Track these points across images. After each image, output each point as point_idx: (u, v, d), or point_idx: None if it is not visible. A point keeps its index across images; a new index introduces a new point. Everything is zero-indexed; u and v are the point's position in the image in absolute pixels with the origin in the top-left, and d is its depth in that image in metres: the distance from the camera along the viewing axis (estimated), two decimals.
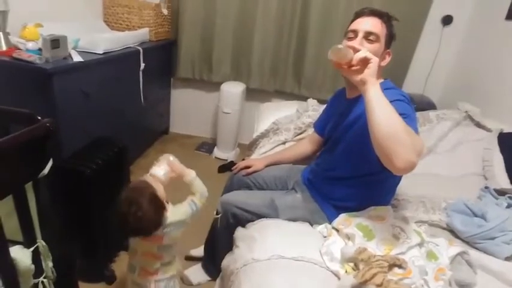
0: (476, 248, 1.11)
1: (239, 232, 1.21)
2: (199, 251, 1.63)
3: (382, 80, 1.13)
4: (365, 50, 0.96)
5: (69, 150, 1.35)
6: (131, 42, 2.07)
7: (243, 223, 1.27)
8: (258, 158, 1.57)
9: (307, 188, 1.31)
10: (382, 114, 0.88)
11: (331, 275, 0.91)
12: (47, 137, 0.82)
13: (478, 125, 1.91)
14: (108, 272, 1.47)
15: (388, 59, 1.14)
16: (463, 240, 1.16)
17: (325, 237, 1.08)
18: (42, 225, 0.93)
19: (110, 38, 1.79)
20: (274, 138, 1.76)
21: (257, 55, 2.57)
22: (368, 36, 1.09)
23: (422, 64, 2.60)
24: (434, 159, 1.72)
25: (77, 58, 1.53)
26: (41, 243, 0.95)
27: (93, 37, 1.70)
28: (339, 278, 0.89)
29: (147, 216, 0.93)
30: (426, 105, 2.36)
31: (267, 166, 1.52)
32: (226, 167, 2.57)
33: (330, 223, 1.16)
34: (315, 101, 1.89)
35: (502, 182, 1.46)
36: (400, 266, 0.88)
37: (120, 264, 1.57)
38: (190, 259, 1.64)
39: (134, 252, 1.07)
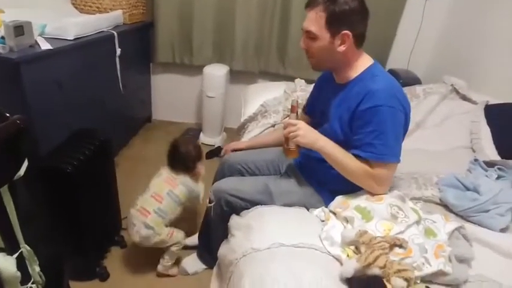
0: (471, 221, 1.13)
1: (234, 220, 1.18)
2: (193, 240, 1.60)
3: (369, 64, 1.07)
4: (285, 126, 1.10)
5: (47, 147, 1.26)
6: (104, 26, 1.93)
7: (238, 210, 1.24)
8: (241, 141, 1.54)
9: (300, 172, 1.28)
10: (337, 167, 1.06)
11: (333, 260, 0.90)
12: (19, 135, 0.75)
13: (464, 98, 1.93)
14: (101, 269, 1.42)
15: (348, 40, 1.01)
16: (456, 214, 1.17)
17: (322, 221, 1.06)
18: (25, 229, 0.87)
19: (80, 22, 1.65)
20: (263, 122, 1.72)
21: (240, 35, 2.47)
22: (308, 34, 1.06)
23: (405, 39, 2.57)
24: (422, 134, 1.73)
25: (45, 46, 1.40)
26: (25, 248, 0.89)
27: (61, 22, 1.56)
28: (341, 263, 0.88)
29: (191, 154, 1.45)
30: (411, 80, 2.35)
31: (249, 148, 1.52)
32: (214, 152, 2.49)
33: (327, 206, 1.15)
34: (303, 81, 1.84)
35: (490, 153, 1.48)
36: (400, 246, 0.87)
37: (112, 261, 1.53)
38: (185, 248, 1.62)
39: (145, 195, 1.37)
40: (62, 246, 1.15)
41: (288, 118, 1.16)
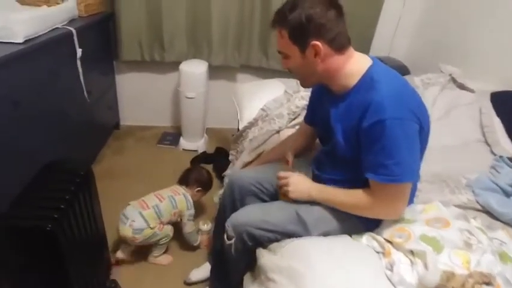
0: None
1: (267, 259, 0.98)
2: (197, 275, 1.41)
3: (366, 66, 0.91)
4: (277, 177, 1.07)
5: (8, 195, 0.94)
6: (58, 22, 1.56)
7: (264, 243, 1.06)
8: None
9: None
10: (344, 210, 0.98)
11: None
12: None
13: (462, 86, 1.88)
14: None
15: (321, 50, 0.88)
16: (502, 222, 1.09)
17: (378, 252, 0.91)
18: None
19: (29, 19, 1.28)
20: (266, 128, 1.51)
21: (217, 26, 2.20)
22: (281, 54, 0.96)
23: (386, 25, 2.47)
24: (432, 128, 1.65)
25: None
26: None
27: (5, 20, 1.19)
28: None
29: (203, 178, 1.60)
30: (399, 69, 2.27)
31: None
32: (199, 159, 2.26)
33: (370, 230, 1.00)
34: None
35: (508, 147, 1.44)
36: (488, 283, 0.75)
37: None
38: (189, 284, 1.41)
39: (150, 195, 1.46)
40: None
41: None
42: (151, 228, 1.37)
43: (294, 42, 0.90)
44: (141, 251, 1.48)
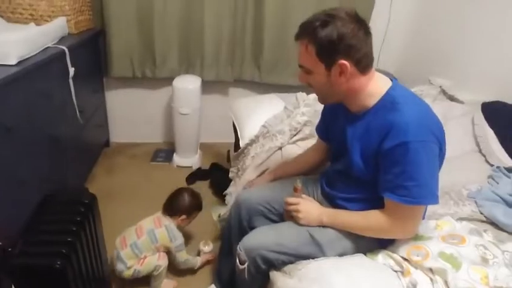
0: None
1: (284, 284, 0.97)
2: None
3: (387, 87, 0.91)
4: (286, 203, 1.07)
5: (9, 231, 0.88)
6: (49, 41, 1.50)
7: (278, 265, 1.04)
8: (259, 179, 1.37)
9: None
10: (357, 232, 0.99)
11: None
12: None
13: (451, 98, 1.95)
14: None
15: (347, 70, 0.87)
16: (508, 232, 1.12)
17: (396, 271, 0.91)
18: None
19: (22, 40, 1.22)
20: (268, 145, 1.50)
21: (210, 41, 2.18)
22: (303, 69, 0.94)
23: (373, 39, 2.52)
24: None
25: None
26: None
27: None
28: None
29: (185, 205, 1.45)
30: None
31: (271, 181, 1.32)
32: (195, 175, 2.21)
33: (381, 247, 1.00)
34: (304, 94, 1.66)
35: (502, 157, 1.49)
36: None
37: None
38: None
39: (132, 228, 1.38)
40: None
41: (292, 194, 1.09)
42: (129, 268, 1.30)
43: (320, 59, 0.88)
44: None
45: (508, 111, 1.62)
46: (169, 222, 1.40)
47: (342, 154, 1.03)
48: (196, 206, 1.49)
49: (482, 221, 1.18)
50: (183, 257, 1.43)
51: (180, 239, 1.40)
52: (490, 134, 1.59)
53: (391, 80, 0.95)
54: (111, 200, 1.87)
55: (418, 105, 0.90)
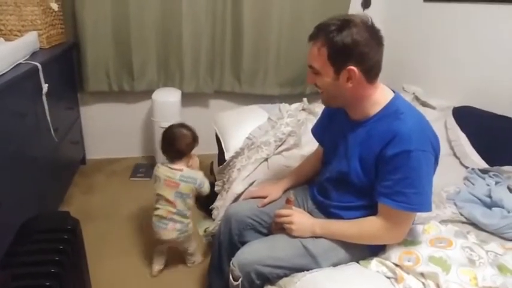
0: (504, 238, 1.14)
1: None
2: None
3: (390, 97, 0.95)
4: (276, 215, 1.07)
5: None
6: (21, 57, 1.43)
7: (272, 279, 1.03)
8: (272, 184, 1.29)
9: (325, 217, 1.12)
10: (350, 240, 0.99)
11: None
12: None
13: (424, 104, 2.04)
14: None
15: (355, 76, 0.89)
16: (488, 232, 1.17)
17: (389, 278, 0.93)
18: None
19: None
20: (254, 157, 1.49)
21: (189, 53, 2.18)
22: (311, 69, 0.95)
23: None
24: None
25: None
26: None
27: None
28: None
29: (184, 140, 1.42)
30: None
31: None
32: None
33: (372, 255, 1.02)
34: (287, 105, 1.68)
35: (475, 159, 1.57)
36: None
37: None
38: None
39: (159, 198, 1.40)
40: None
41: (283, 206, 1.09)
42: (188, 218, 1.42)
43: (331, 63, 0.89)
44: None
45: (477, 115, 1.72)
46: (181, 172, 1.40)
47: (334, 158, 1.05)
48: (192, 141, 1.47)
49: (463, 222, 1.23)
50: (206, 184, 1.46)
51: (199, 178, 1.44)
52: (463, 137, 1.68)
53: (393, 91, 0.99)
54: (89, 221, 1.77)
55: (419, 116, 0.94)
